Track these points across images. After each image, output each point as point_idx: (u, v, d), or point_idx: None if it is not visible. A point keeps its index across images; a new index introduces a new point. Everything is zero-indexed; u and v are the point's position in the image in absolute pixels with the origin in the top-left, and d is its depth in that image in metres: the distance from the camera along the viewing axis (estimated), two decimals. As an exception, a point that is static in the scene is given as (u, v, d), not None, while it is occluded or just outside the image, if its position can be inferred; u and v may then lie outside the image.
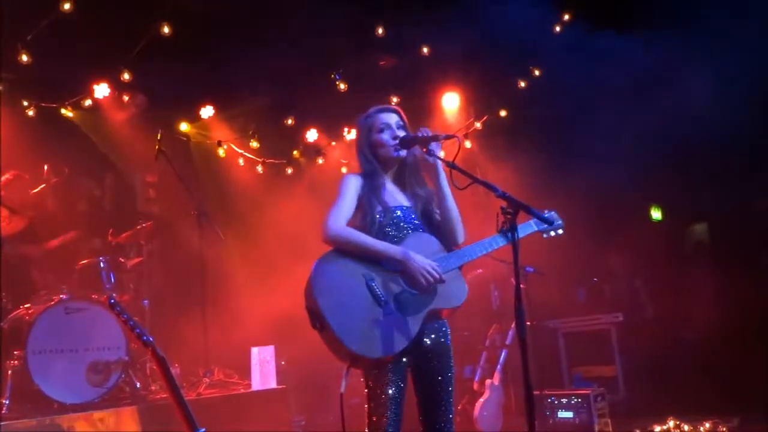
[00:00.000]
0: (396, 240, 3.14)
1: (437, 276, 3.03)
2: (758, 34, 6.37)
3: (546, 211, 3.37)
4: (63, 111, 7.21)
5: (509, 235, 3.05)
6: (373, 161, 3.28)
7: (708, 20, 6.37)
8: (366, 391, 3.07)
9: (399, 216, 3.20)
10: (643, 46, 6.91)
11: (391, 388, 3.02)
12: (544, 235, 3.42)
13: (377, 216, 3.16)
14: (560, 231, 3.48)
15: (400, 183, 3.34)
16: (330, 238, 3.07)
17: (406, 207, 3.26)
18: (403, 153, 3.27)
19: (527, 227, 3.35)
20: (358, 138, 3.41)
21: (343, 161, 8.66)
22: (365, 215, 3.17)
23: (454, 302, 3.15)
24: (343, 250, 3.06)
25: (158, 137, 6.33)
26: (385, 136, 3.27)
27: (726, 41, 6.47)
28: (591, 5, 7.20)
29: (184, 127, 8.04)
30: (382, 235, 3.15)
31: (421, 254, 3.09)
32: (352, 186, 3.20)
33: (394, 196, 3.27)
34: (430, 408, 3.14)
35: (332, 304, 2.93)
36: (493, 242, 3.22)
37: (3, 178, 6.00)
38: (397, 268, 3.05)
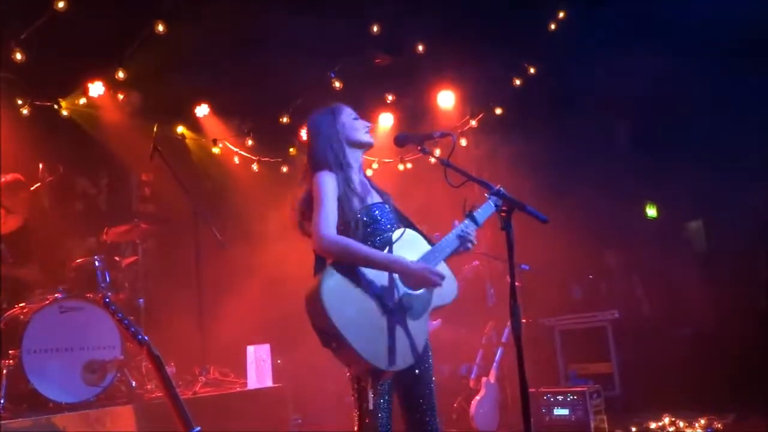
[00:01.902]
0: (380, 239, 3.06)
1: (439, 276, 2.96)
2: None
3: (495, 187, 3.12)
4: (58, 109, 7.19)
5: (474, 216, 3.11)
6: (345, 151, 3.15)
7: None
8: (356, 393, 2.97)
9: (378, 213, 3.11)
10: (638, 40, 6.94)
11: (384, 389, 2.99)
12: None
13: (358, 215, 3.05)
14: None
15: (363, 176, 3.27)
16: (325, 250, 2.92)
17: (381, 202, 3.18)
18: (372, 140, 3.23)
19: (488, 207, 3.22)
20: (318, 132, 3.19)
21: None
22: (345, 214, 3.02)
23: (451, 297, 3.12)
24: (340, 261, 2.92)
25: (153, 134, 6.31)
26: (360, 123, 3.23)
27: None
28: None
29: (179, 125, 8.04)
30: (366, 235, 3.05)
31: (413, 252, 3.05)
32: (331, 185, 3.02)
33: (368, 190, 3.18)
34: (411, 406, 3.09)
35: (347, 322, 2.79)
36: (466, 227, 3.13)
37: (2, 180, 5.97)
38: (398, 277, 2.98)
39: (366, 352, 2.79)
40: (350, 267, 2.91)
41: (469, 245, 3.14)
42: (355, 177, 3.15)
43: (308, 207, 3.06)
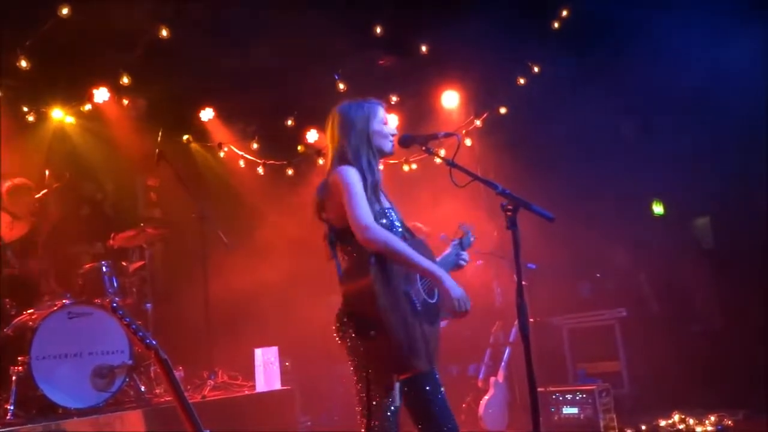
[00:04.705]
0: None
1: (467, 309, 2.96)
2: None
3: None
4: (63, 116, 7.22)
5: (462, 243, 3.32)
6: (375, 154, 3.16)
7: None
8: (364, 395, 2.93)
9: (392, 219, 3.12)
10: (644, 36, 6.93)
11: (393, 394, 2.97)
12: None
13: (378, 216, 3.02)
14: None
15: None
16: (371, 240, 2.86)
17: (392, 207, 3.19)
18: (393, 150, 3.24)
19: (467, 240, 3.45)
20: (353, 125, 3.17)
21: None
22: None
23: (447, 313, 3.11)
24: (383, 255, 2.88)
25: (158, 139, 6.33)
26: (389, 128, 3.24)
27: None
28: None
29: (184, 130, 8.06)
30: None
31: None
32: (358, 178, 3.00)
33: (384, 195, 3.20)
34: (421, 411, 3.06)
35: (395, 315, 2.80)
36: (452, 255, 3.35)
37: (6, 185, 5.98)
38: (420, 284, 3.02)
39: (404, 344, 2.79)
40: (389, 264, 2.90)
41: (462, 263, 3.34)
42: (378, 181, 3.16)
43: (326, 195, 3.08)
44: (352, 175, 3.00)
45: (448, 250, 3.33)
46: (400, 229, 3.13)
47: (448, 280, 2.94)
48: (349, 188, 2.96)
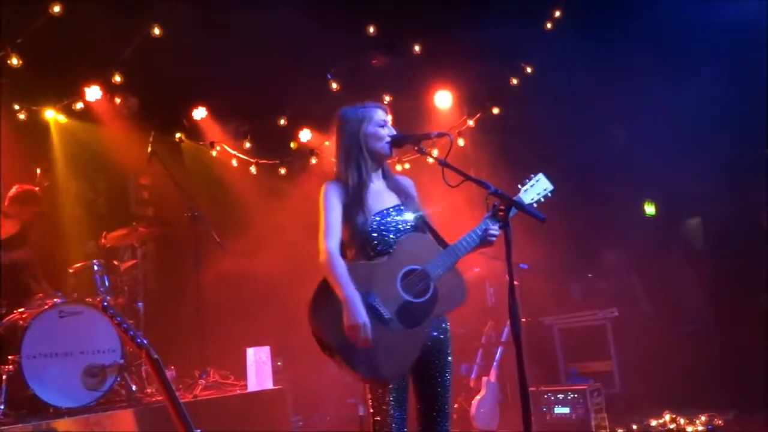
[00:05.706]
0: (386, 247, 3.10)
1: (357, 339, 2.90)
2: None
3: (533, 176, 3.38)
4: (55, 114, 7.18)
5: (496, 219, 3.10)
6: (365, 156, 3.18)
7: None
8: (368, 392, 3.06)
9: (386, 221, 3.13)
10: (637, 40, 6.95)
11: (394, 388, 3.02)
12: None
13: (361, 224, 3.09)
14: (549, 194, 3.36)
15: (385, 179, 3.29)
16: (322, 265, 3.03)
17: (395, 207, 3.19)
18: (390, 152, 3.24)
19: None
20: (344, 131, 3.25)
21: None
22: (350, 224, 3.11)
23: (457, 303, 3.13)
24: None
25: (150, 139, 6.31)
26: (385, 131, 3.23)
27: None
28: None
29: (177, 128, 8.04)
30: (371, 243, 3.10)
31: (417, 257, 3.07)
32: (334, 197, 3.12)
33: (381, 197, 3.20)
34: (426, 402, 3.12)
35: (339, 333, 2.89)
36: (480, 229, 3.15)
37: (13, 190, 5.94)
38: (400, 286, 3.04)
39: (359, 365, 2.90)
40: (349, 275, 3.00)
41: (492, 238, 3.15)
42: (371, 184, 3.18)
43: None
44: (329, 195, 3.14)
45: (478, 226, 3.17)
46: (393, 234, 3.13)
47: (351, 309, 2.90)
48: (323, 210, 3.13)
